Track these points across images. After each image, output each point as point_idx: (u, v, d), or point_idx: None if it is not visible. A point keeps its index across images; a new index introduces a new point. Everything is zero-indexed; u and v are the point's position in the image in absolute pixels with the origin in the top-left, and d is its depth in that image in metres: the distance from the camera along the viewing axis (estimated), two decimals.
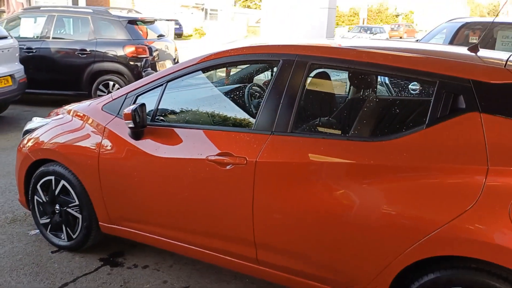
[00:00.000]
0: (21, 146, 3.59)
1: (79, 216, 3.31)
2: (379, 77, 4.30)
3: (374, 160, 2.25)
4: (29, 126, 3.68)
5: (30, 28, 8.75)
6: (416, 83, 3.25)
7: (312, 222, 2.40)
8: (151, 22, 9.30)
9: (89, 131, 3.21)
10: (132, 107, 2.80)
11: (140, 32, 8.66)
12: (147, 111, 2.91)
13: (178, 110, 3.21)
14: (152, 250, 3.43)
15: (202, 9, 49.85)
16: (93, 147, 3.13)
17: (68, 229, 3.40)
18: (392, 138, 2.26)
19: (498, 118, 2.06)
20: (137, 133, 2.92)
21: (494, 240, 1.97)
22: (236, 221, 2.65)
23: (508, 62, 2.27)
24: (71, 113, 3.43)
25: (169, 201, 2.90)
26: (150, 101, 2.99)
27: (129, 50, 8.21)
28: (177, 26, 32.21)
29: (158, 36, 9.32)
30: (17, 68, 7.24)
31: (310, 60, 2.56)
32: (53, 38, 8.49)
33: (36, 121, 3.67)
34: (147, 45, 8.44)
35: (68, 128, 3.34)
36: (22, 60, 7.64)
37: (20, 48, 7.61)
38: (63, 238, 3.45)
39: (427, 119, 2.19)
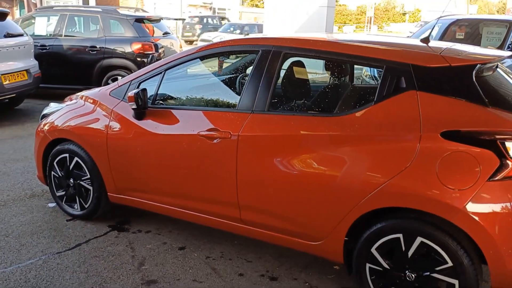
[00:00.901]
0: (39, 129, 4.09)
1: (91, 188, 3.81)
2: (370, 71, 4.78)
3: (333, 131, 2.72)
4: (46, 110, 4.19)
5: (43, 26, 9.33)
6: None
7: (283, 185, 2.87)
8: (157, 20, 9.80)
9: (98, 113, 3.70)
10: (135, 90, 3.28)
11: (147, 30, 9.15)
12: (148, 96, 3.39)
13: (175, 95, 3.68)
14: (154, 218, 3.93)
15: (210, 8, 50.37)
16: (102, 127, 3.62)
17: (81, 199, 3.90)
18: (348, 113, 2.73)
19: (430, 95, 2.52)
20: (139, 114, 3.41)
21: (424, 193, 2.43)
22: (223, 187, 3.12)
23: (445, 50, 2.73)
24: (83, 98, 3.93)
25: (167, 171, 3.38)
26: (152, 87, 3.47)
27: (136, 46, 8.73)
28: None
29: (164, 34, 9.80)
30: (32, 63, 7.80)
31: (284, 50, 3.03)
32: (65, 35, 9.05)
33: (52, 106, 4.18)
34: (153, 42, 8.95)
35: (81, 111, 3.83)
36: (36, 57, 8.19)
37: (34, 45, 8.16)
38: (76, 208, 3.95)
39: (375, 97, 2.66)
